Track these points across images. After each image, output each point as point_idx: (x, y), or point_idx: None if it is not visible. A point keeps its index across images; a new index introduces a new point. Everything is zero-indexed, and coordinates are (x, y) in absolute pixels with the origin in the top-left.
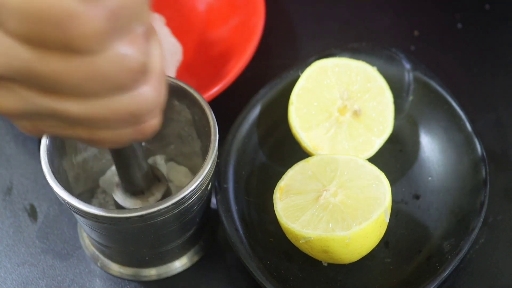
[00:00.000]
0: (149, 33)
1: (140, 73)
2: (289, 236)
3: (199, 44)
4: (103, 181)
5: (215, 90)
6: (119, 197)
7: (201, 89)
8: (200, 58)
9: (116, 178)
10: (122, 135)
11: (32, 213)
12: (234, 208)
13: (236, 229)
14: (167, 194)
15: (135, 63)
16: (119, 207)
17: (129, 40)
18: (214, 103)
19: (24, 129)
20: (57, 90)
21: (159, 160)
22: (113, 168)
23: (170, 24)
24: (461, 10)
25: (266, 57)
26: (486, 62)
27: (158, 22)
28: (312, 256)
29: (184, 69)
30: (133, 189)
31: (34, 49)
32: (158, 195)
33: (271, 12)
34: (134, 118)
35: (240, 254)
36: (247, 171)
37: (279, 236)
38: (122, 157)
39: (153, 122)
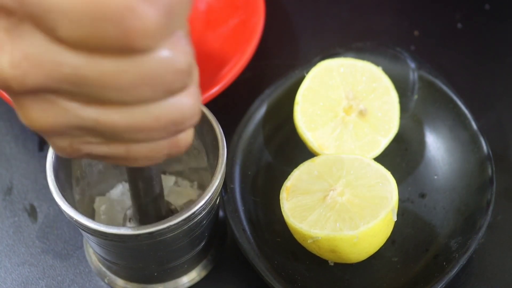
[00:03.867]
0: (189, 36)
1: (188, 76)
2: (296, 236)
3: (199, 44)
4: (108, 196)
5: (215, 90)
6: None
7: (201, 89)
8: (200, 58)
9: (128, 212)
10: (158, 149)
11: (32, 213)
12: (241, 208)
13: (244, 230)
14: None
15: (185, 64)
16: None
17: (177, 41)
18: (213, 103)
19: (59, 149)
20: (104, 97)
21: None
22: (120, 186)
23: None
24: (461, 10)
25: (266, 57)
26: (486, 62)
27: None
28: (319, 255)
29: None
30: (146, 218)
31: (86, 53)
32: None
33: (271, 12)
34: (175, 126)
35: (248, 254)
36: (253, 171)
37: (286, 236)
38: (142, 185)
39: (188, 134)
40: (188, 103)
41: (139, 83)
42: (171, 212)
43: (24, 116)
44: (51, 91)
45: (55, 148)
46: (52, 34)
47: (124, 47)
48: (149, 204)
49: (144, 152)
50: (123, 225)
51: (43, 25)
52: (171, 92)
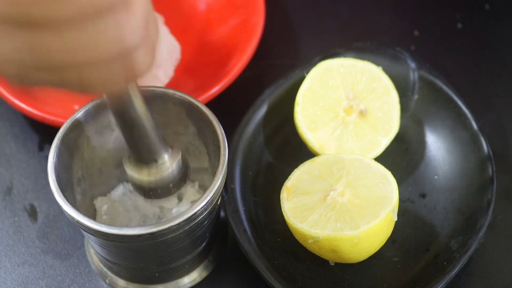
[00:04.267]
0: None
1: (120, 2)
2: (297, 236)
3: (199, 44)
4: (110, 197)
5: (215, 90)
6: (131, 168)
7: (201, 89)
8: (200, 58)
9: (127, 150)
10: (112, 72)
11: (32, 213)
12: (241, 208)
13: (244, 230)
14: (182, 163)
15: None
16: (132, 179)
17: None
18: (214, 103)
19: (8, 76)
20: (35, 18)
21: None
22: (121, 186)
23: (169, 23)
24: (461, 10)
25: (266, 57)
26: (486, 62)
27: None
28: (320, 255)
29: (184, 69)
30: (144, 158)
31: None
32: (172, 162)
33: (271, 12)
34: (117, 46)
35: (249, 254)
36: (254, 171)
37: (287, 236)
38: (128, 121)
39: (143, 57)
40: (129, 24)
41: (69, 7)
42: (170, 147)
43: None
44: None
45: (6, 77)
46: None
47: None
48: (138, 137)
49: (97, 75)
50: (123, 164)
51: None
52: (103, 10)
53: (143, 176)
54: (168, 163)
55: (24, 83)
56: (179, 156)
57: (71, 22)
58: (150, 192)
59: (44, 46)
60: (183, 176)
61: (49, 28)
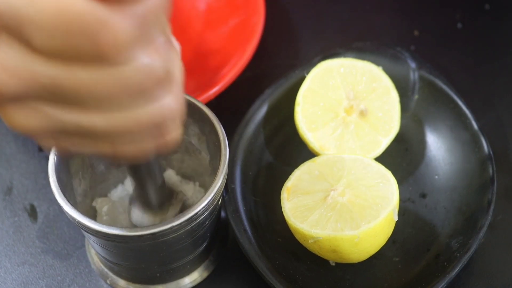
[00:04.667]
0: (169, 42)
1: (165, 82)
2: (297, 236)
3: (199, 44)
4: (110, 197)
5: (215, 90)
6: (136, 213)
7: (201, 89)
8: (200, 58)
9: (131, 195)
10: (145, 148)
11: (32, 213)
12: (242, 208)
13: (245, 230)
14: (183, 209)
15: (161, 71)
16: (136, 223)
17: (153, 49)
18: (213, 103)
19: (47, 148)
20: (83, 104)
21: (171, 173)
22: (121, 186)
23: (169, 23)
24: (461, 10)
25: (266, 57)
26: (486, 62)
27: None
28: (320, 255)
29: (184, 69)
30: (150, 205)
31: (61, 63)
32: (176, 206)
33: (271, 12)
34: (158, 129)
35: (249, 255)
36: (254, 172)
37: (287, 236)
38: (140, 172)
39: (175, 134)
40: (170, 105)
41: (116, 92)
42: (173, 194)
43: (7, 121)
44: (31, 97)
45: (42, 146)
46: (28, 44)
47: (98, 59)
48: (147, 186)
49: (131, 151)
50: (129, 208)
51: (19, 36)
52: (150, 98)
53: (146, 219)
54: (172, 210)
55: (60, 153)
56: (181, 204)
57: (120, 108)
58: None
59: (88, 126)
60: None
61: (97, 111)
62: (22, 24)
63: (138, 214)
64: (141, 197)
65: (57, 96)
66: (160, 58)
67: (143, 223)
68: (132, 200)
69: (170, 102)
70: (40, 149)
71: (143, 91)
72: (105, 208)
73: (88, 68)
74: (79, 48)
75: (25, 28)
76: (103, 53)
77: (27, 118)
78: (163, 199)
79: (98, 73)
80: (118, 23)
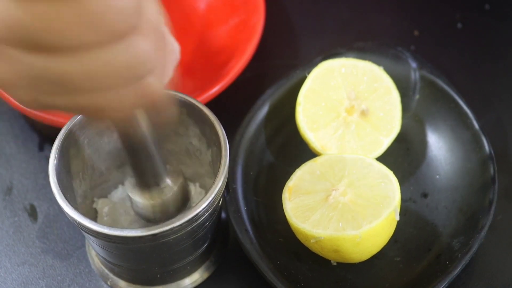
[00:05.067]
0: None
1: (134, 14)
2: (299, 236)
3: (198, 44)
4: (110, 198)
5: (215, 90)
6: (134, 192)
7: (201, 89)
8: (200, 58)
9: (129, 172)
10: (123, 98)
11: (32, 213)
12: (243, 208)
13: (246, 230)
14: (183, 186)
15: (127, 1)
16: (134, 202)
17: None
18: (213, 103)
19: (19, 100)
20: (46, 43)
21: None
22: (121, 187)
23: (169, 23)
24: (461, 10)
25: (266, 57)
26: (486, 62)
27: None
28: (322, 255)
29: (184, 69)
30: (147, 181)
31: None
32: (174, 186)
33: (271, 12)
34: (131, 72)
35: (251, 254)
36: (255, 171)
37: (288, 236)
38: (134, 144)
39: (155, 83)
40: (141, 46)
41: (78, 26)
42: (173, 171)
43: None
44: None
45: (16, 100)
46: None
47: None
48: (143, 160)
49: (107, 101)
50: (126, 188)
51: None
52: (118, 34)
53: (146, 199)
54: (170, 187)
55: (35, 107)
56: (181, 180)
57: (87, 47)
58: (152, 215)
59: (58, 71)
60: (184, 199)
61: (64, 53)
62: None
63: (135, 193)
64: (136, 174)
65: (17, 37)
66: None
67: (140, 202)
68: (129, 179)
69: (142, 43)
70: (40, 149)
71: (108, 25)
72: (105, 209)
73: (44, 2)
74: None
75: None
76: None
77: None
78: (161, 175)
79: (56, 5)
80: None
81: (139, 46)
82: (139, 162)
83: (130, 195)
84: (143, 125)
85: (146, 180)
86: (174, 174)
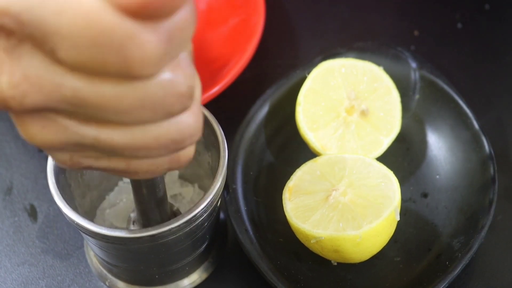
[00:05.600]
0: (191, 58)
1: (188, 98)
2: (299, 236)
3: (199, 44)
4: (108, 199)
5: (215, 90)
6: (133, 227)
7: (202, 89)
8: (200, 58)
9: (132, 215)
10: (158, 164)
11: (32, 213)
12: (243, 208)
13: (246, 230)
14: None
15: (184, 87)
16: None
17: (177, 64)
18: (213, 103)
19: (60, 162)
20: (103, 119)
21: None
22: (116, 189)
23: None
24: (461, 10)
25: (266, 57)
26: (486, 62)
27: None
28: (322, 255)
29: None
30: (150, 224)
31: (85, 76)
32: None
33: (271, 12)
34: (176, 145)
35: (251, 255)
36: (255, 172)
37: (289, 236)
38: (146, 191)
39: (189, 150)
40: (189, 122)
41: (138, 107)
42: (174, 214)
43: (24, 132)
44: (50, 110)
45: (55, 161)
46: (52, 55)
47: (124, 74)
48: (152, 208)
49: (145, 166)
50: (127, 228)
51: (43, 46)
52: (171, 114)
53: None
54: None
55: (72, 167)
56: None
57: (141, 124)
58: None
59: (108, 142)
60: None
61: (118, 127)
62: (48, 34)
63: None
64: (143, 217)
65: (77, 110)
66: (183, 74)
67: None
68: (132, 220)
69: (189, 119)
70: (41, 150)
71: (165, 107)
72: (104, 210)
73: (113, 83)
74: (106, 62)
75: (50, 38)
76: (130, 68)
77: (44, 129)
78: (163, 219)
79: (123, 88)
80: (146, 38)
81: (187, 122)
82: (148, 211)
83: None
84: (161, 179)
85: (150, 223)
86: (176, 216)
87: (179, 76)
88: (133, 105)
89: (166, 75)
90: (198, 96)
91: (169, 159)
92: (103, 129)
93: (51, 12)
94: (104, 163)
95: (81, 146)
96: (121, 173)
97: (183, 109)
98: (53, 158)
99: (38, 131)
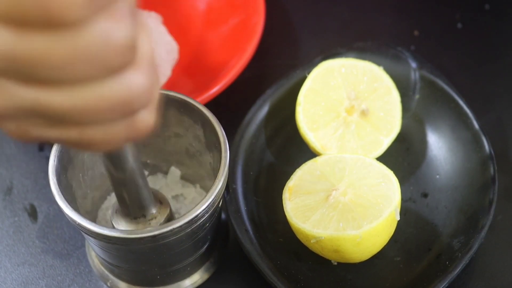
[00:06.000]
0: (134, 12)
1: (128, 51)
2: (299, 236)
3: (199, 44)
4: (110, 199)
5: (215, 90)
6: (119, 223)
7: (201, 89)
8: (200, 58)
9: (115, 203)
10: (115, 132)
11: (32, 213)
12: (243, 208)
13: (246, 230)
14: (170, 218)
15: (122, 39)
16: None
17: (112, 14)
18: (213, 103)
19: (8, 132)
20: (39, 77)
21: (175, 172)
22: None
23: (169, 23)
24: (461, 10)
25: (266, 57)
26: (486, 62)
27: (154, 20)
28: (322, 255)
29: (184, 69)
30: (133, 213)
31: (11, 31)
32: (161, 218)
33: (271, 12)
34: (124, 107)
35: (251, 255)
36: (255, 172)
37: (289, 236)
38: (120, 175)
39: (147, 118)
40: (136, 81)
41: (72, 60)
42: (160, 202)
43: None
44: None
45: (4, 131)
46: None
47: (48, 21)
48: (129, 191)
49: (99, 135)
50: (111, 219)
51: None
52: (113, 69)
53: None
54: (157, 219)
55: (25, 140)
56: (168, 212)
57: (81, 81)
58: None
59: (50, 104)
60: None
61: (57, 86)
62: None
63: (120, 224)
64: (122, 205)
65: (11, 67)
66: (120, 23)
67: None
68: (115, 209)
69: (137, 78)
70: (40, 149)
71: (103, 61)
72: (105, 210)
73: (41, 34)
74: (28, 12)
75: None
76: (54, 16)
77: None
78: (147, 207)
79: (52, 38)
80: None
81: (134, 81)
82: (126, 194)
83: (114, 224)
84: (131, 157)
85: (133, 212)
86: (161, 205)
87: (114, 26)
88: (66, 58)
89: (100, 24)
90: (148, 54)
91: (125, 126)
92: (42, 90)
93: None
94: (54, 132)
95: (24, 112)
96: (75, 145)
97: (124, 63)
98: (5, 130)
99: None
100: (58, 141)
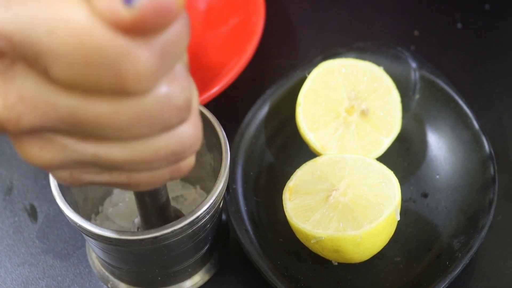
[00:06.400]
0: (187, 69)
1: (186, 110)
2: (299, 236)
3: (198, 44)
4: (111, 198)
5: (215, 90)
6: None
7: (201, 89)
8: (199, 58)
9: (136, 220)
10: (160, 176)
11: (32, 213)
12: (243, 209)
13: (246, 230)
14: None
15: (182, 100)
16: None
17: (173, 78)
18: (213, 103)
19: (61, 179)
20: (101, 135)
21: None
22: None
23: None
24: (461, 10)
25: (266, 57)
26: (486, 62)
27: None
28: (322, 255)
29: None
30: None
31: (81, 95)
32: None
33: (271, 12)
34: (176, 156)
35: (251, 255)
36: (255, 172)
37: (289, 236)
38: (151, 203)
39: (190, 161)
40: (188, 133)
41: (136, 123)
42: (177, 217)
43: (22, 153)
44: (47, 129)
45: (55, 178)
46: (45, 75)
47: (119, 91)
48: (155, 214)
49: (146, 179)
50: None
51: (37, 66)
52: (170, 127)
53: None
54: None
55: (74, 184)
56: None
57: (139, 138)
58: None
59: (108, 158)
60: None
61: (116, 142)
62: (40, 54)
63: None
64: (146, 224)
65: (74, 128)
66: (179, 87)
67: None
68: (136, 226)
69: (188, 130)
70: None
71: (163, 121)
72: (106, 210)
73: (108, 100)
74: (100, 80)
75: (43, 58)
76: (124, 85)
77: (42, 150)
78: (167, 221)
79: (119, 104)
80: (140, 54)
81: (186, 133)
82: (151, 215)
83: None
84: (163, 187)
85: (153, 227)
86: (177, 216)
87: (175, 90)
88: (130, 121)
89: (162, 90)
90: (196, 106)
91: (170, 170)
92: (102, 145)
93: (43, 32)
94: (105, 177)
95: (80, 163)
96: (123, 186)
97: (181, 121)
98: (53, 176)
99: (37, 151)
100: (108, 183)
